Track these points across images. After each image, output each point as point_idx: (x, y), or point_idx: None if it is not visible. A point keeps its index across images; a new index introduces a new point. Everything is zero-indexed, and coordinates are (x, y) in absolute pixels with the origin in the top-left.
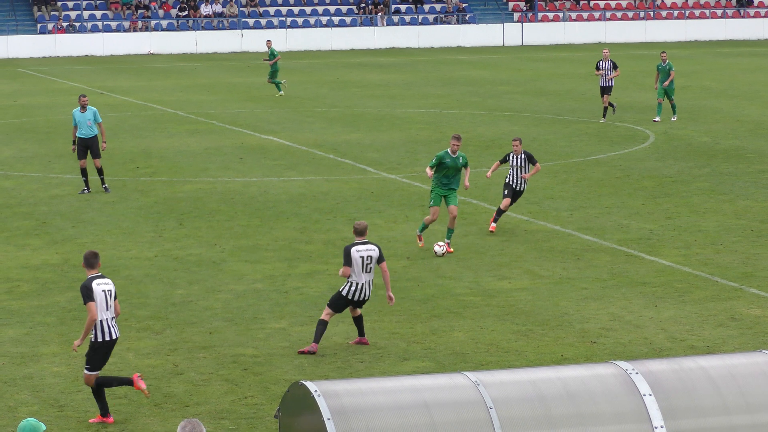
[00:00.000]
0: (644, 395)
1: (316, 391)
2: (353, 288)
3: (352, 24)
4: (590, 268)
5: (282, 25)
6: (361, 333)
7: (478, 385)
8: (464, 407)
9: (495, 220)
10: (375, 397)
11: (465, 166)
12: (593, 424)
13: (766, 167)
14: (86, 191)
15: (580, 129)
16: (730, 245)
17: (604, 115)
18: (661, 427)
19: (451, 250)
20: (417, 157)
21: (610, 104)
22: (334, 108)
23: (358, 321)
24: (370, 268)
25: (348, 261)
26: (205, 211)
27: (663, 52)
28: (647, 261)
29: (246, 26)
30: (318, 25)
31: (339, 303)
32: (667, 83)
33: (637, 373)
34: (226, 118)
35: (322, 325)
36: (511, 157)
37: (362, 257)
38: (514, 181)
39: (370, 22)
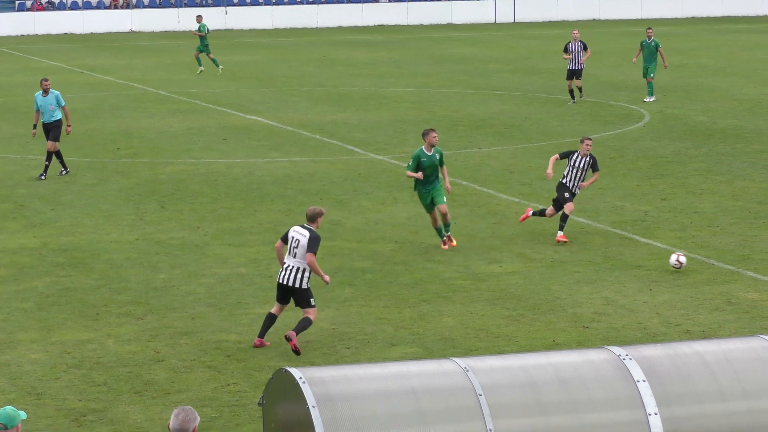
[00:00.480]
0: (638, 381)
1: (300, 378)
2: (281, 269)
3: (340, 0)
4: (583, 251)
5: (267, 2)
6: (261, 334)
7: (468, 371)
8: (453, 394)
9: (562, 228)
10: (361, 384)
11: (441, 164)
12: (585, 411)
13: (764, 147)
14: (64, 172)
15: (573, 108)
16: (727, 227)
17: (578, 96)
18: (655, 414)
19: (454, 244)
20: (405, 137)
21: (579, 88)
22: (321, 87)
23: (269, 320)
24: (296, 253)
25: (284, 237)
26: (188, 194)
27: (649, 29)
28: (642, 243)
29: (230, 3)
30: (304, 2)
31: (277, 290)
32: (666, 64)
33: (630, 359)
34: (209, 97)
35: (269, 319)
36: (575, 158)
37: (291, 237)
38: (572, 182)
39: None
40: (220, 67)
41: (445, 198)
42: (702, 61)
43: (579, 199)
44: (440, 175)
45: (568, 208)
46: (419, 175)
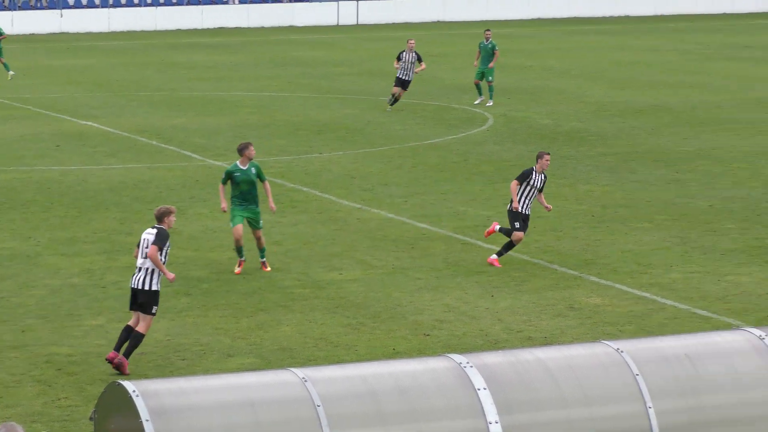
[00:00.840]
0: (479, 389)
1: (134, 391)
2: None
3: (179, 3)
4: (425, 257)
5: (104, 4)
6: (116, 347)
7: (306, 381)
8: (291, 405)
9: (500, 254)
10: (197, 397)
11: (261, 179)
12: (426, 420)
13: (608, 150)
14: None
15: (416, 112)
16: (569, 231)
17: (392, 102)
18: (496, 422)
19: (268, 269)
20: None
21: (394, 99)
22: (159, 91)
23: (126, 333)
24: (146, 253)
25: (138, 243)
26: (20, 202)
27: (487, 30)
28: (484, 249)
29: (66, 5)
30: (142, 4)
31: (131, 296)
32: (492, 64)
33: (471, 367)
34: (43, 102)
35: (125, 331)
36: (534, 177)
37: (143, 239)
38: (526, 205)
39: (198, 1)
40: (11, 72)
41: (261, 223)
42: (547, 63)
43: (421, 204)
44: (265, 193)
45: (516, 237)
46: (224, 206)
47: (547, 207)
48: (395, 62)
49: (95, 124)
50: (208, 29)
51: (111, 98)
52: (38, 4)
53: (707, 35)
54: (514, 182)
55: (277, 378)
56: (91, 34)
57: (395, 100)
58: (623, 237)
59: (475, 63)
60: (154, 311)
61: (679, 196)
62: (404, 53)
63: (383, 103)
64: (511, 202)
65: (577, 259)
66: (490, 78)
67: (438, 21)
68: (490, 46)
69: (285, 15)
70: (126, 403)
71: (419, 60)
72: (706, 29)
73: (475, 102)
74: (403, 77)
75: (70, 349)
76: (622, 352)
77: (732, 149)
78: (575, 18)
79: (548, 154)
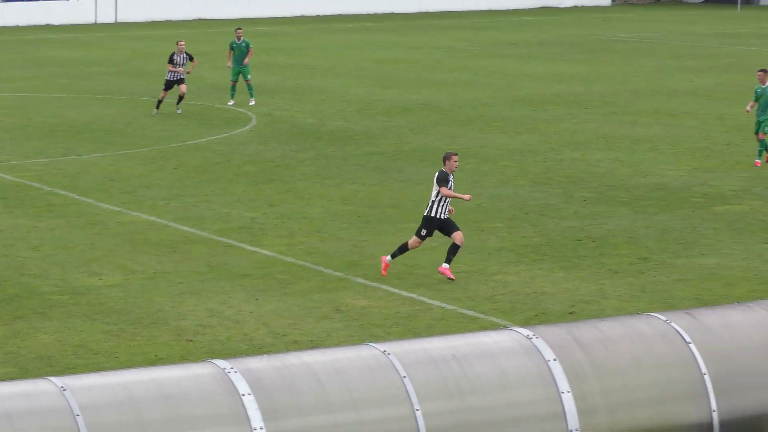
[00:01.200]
0: (243, 395)
1: None
2: None
3: None
4: (187, 260)
5: None
6: None
7: (65, 390)
8: (49, 415)
9: (394, 256)
10: None
11: None
12: (189, 428)
13: (373, 149)
14: None
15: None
16: (335, 233)
17: (175, 108)
18: (261, 429)
19: None
20: (0, 145)
21: (181, 97)
22: None
23: None
24: None
25: None
26: None
27: (238, 29)
28: (248, 252)
29: None
30: None
31: None
32: (247, 60)
33: (235, 372)
34: None
35: None
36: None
37: None
38: (442, 209)
39: None
40: None
41: None
42: (310, 61)
43: (183, 207)
44: None
45: (414, 241)
46: None
47: (450, 209)
48: (169, 67)
49: None
50: None
51: None
52: None
53: (473, 32)
54: (443, 189)
55: (35, 387)
56: None
57: (160, 102)
58: (391, 237)
59: (229, 64)
60: None
61: None
62: (175, 55)
63: (144, 103)
64: (434, 204)
65: (343, 261)
66: (248, 77)
67: (199, 19)
68: (243, 44)
69: (41, 13)
70: None
71: (191, 59)
72: (471, 26)
73: (229, 103)
74: (171, 78)
75: None
76: (389, 354)
77: (499, 147)
78: (339, 15)
79: (456, 154)
